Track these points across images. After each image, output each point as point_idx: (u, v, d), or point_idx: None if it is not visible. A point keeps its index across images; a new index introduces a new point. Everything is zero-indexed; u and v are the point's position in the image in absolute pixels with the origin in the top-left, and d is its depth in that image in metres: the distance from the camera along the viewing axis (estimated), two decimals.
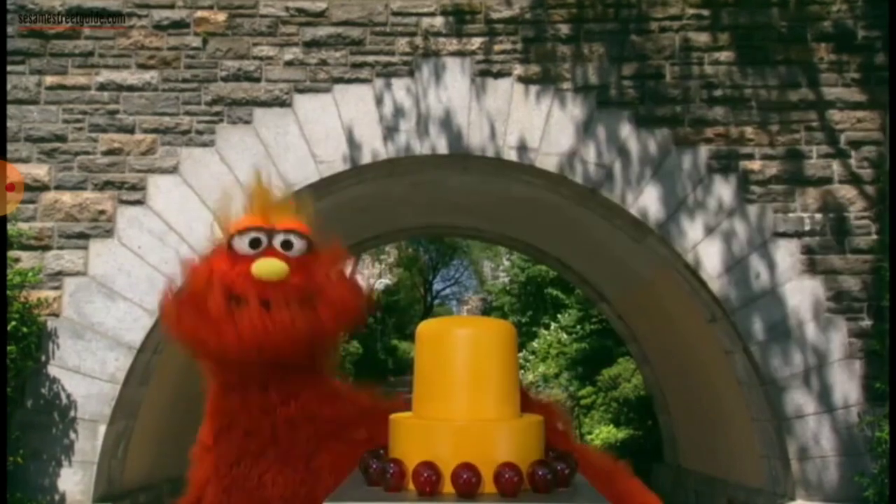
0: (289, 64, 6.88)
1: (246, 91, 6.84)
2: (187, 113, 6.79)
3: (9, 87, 6.69)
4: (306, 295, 2.44)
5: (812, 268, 6.62)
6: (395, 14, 6.95)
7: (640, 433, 12.02)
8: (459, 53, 6.92)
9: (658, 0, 6.99)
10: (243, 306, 2.36)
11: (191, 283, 2.51)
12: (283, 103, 6.83)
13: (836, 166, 6.76)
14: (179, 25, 6.89)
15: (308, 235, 2.58)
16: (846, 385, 6.42)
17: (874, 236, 6.62)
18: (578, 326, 16.89)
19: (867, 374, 6.40)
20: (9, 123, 6.65)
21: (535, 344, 19.08)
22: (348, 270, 2.63)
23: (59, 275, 6.52)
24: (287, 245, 2.49)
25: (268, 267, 2.37)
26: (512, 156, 6.82)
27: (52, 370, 6.35)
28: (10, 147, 6.61)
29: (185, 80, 6.83)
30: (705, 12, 6.96)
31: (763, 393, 6.55)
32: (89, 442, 6.29)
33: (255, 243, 2.48)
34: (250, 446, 2.49)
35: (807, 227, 6.67)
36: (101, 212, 6.64)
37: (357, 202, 7.90)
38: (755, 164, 6.77)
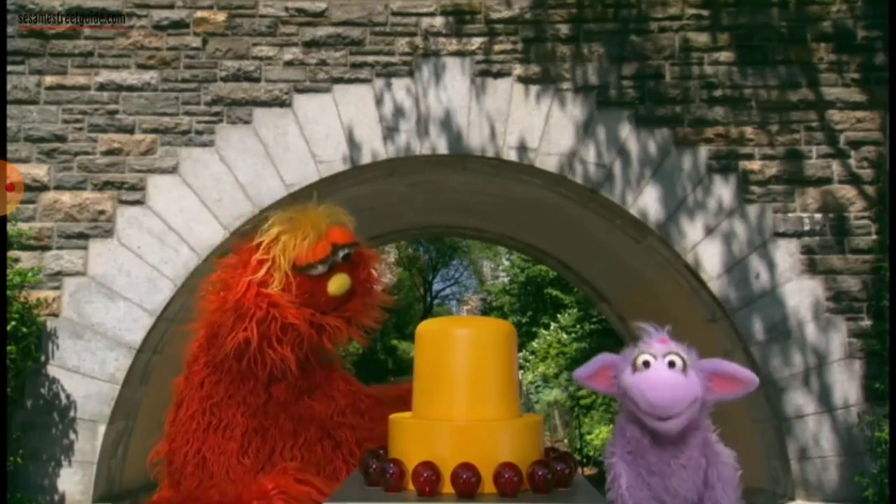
0: (288, 64, 6.88)
1: (246, 91, 6.83)
2: (187, 113, 6.79)
3: (8, 87, 6.68)
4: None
5: (812, 268, 6.61)
6: (395, 14, 6.95)
7: None
8: (459, 53, 6.92)
9: (658, 0, 6.99)
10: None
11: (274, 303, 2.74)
12: (282, 103, 6.83)
13: (835, 166, 6.76)
14: (179, 25, 6.88)
15: (356, 242, 3.00)
16: (846, 385, 6.42)
17: (874, 236, 6.62)
18: (578, 326, 16.90)
19: (867, 374, 6.39)
20: (8, 123, 6.65)
21: (535, 344, 19.09)
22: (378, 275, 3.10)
23: (58, 275, 6.51)
24: (347, 257, 2.91)
25: (341, 286, 2.84)
26: (512, 156, 6.82)
27: (52, 370, 6.35)
28: (9, 147, 6.60)
29: (184, 81, 6.83)
30: (705, 12, 6.96)
31: (763, 393, 6.55)
32: (89, 442, 6.28)
33: (325, 263, 2.87)
34: (246, 419, 2.78)
35: (806, 228, 6.67)
36: (101, 212, 6.64)
37: (357, 202, 7.89)
38: (755, 165, 6.77)
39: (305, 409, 2.76)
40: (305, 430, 2.74)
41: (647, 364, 2.11)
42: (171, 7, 6.90)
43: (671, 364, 2.12)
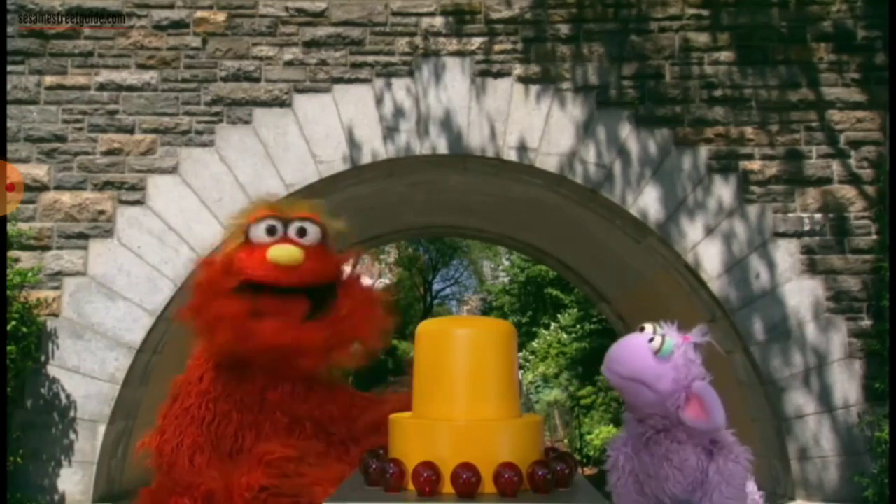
0: (288, 64, 6.88)
1: (246, 91, 6.83)
2: (187, 113, 6.79)
3: (9, 87, 6.68)
4: (320, 282, 2.56)
5: (812, 268, 6.61)
6: (395, 14, 6.95)
7: None
8: (459, 53, 6.92)
9: (658, 0, 6.99)
10: (266, 316, 2.46)
11: (208, 274, 2.57)
12: (282, 103, 6.83)
13: (835, 166, 6.76)
14: (179, 25, 6.88)
15: (321, 224, 2.69)
16: (846, 385, 6.42)
17: (874, 236, 6.62)
18: (578, 326, 16.90)
19: (867, 374, 6.39)
20: (8, 123, 6.65)
21: (535, 344, 19.09)
22: (363, 274, 2.83)
23: (58, 275, 6.51)
24: (302, 232, 2.59)
25: (284, 252, 2.45)
26: (512, 156, 6.82)
27: (52, 370, 6.35)
28: (9, 147, 6.60)
29: (184, 80, 6.83)
30: (705, 12, 6.96)
31: (763, 393, 6.55)
32: (89, 442, 6.28)
33: (271, 231, 2.57)
34: (241, 415, 2.68)
35: (806, 227, 6.67)
36: (101, 212, 6.64)
37: (357, 202, 7.89)
38: (755, 164, 6.77)
39: (301, 410, 2.75)
40: (299, 427, 2.72)
41: (641, 330, 2.23)
42: (171, 7, 6.90)
43: (651, 340, 2.19)
